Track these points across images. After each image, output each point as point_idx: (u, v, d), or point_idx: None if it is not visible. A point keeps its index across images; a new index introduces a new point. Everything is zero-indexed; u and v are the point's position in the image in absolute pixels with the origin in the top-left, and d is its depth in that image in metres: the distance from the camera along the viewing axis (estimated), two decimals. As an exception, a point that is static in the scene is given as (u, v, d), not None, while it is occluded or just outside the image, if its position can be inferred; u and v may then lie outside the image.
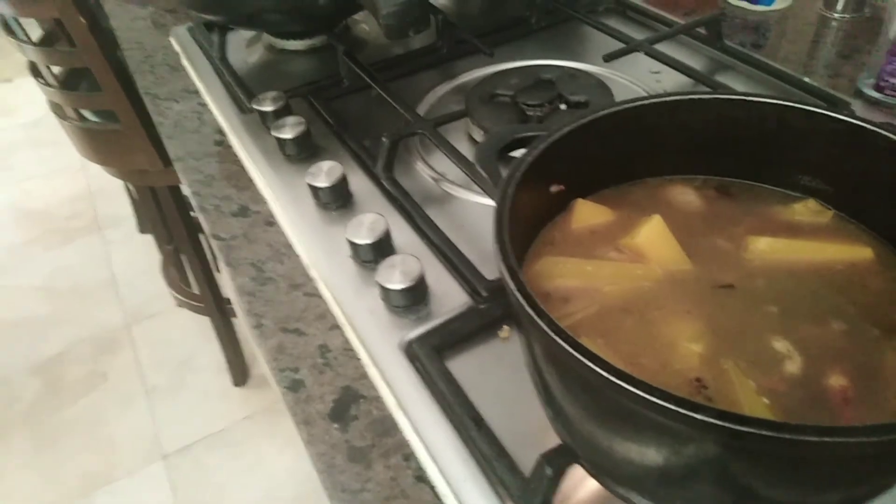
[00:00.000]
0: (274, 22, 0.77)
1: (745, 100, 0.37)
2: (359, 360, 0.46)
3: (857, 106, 0.63)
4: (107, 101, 1.09)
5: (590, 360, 0.24)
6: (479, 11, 0.87)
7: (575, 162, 0.37)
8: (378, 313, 0.48)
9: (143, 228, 1.96)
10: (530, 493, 0.35)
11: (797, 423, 0.22)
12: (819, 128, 0.36)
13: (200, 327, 1.65)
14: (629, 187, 0.40)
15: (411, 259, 0.48)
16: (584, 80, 0.65)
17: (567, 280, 0.35)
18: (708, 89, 0.64)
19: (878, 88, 0.65)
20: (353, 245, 0.51)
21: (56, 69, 1.19)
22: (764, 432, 0.22)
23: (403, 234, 0.54)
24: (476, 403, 0.41)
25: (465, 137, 0.64)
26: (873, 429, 0.22)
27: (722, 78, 0.68)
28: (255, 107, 0.67)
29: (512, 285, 0.27)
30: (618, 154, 0.39)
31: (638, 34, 0.74)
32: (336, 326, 0.49)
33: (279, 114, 0.66)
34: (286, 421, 1.46)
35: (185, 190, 0.65)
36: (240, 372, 1.54)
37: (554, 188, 0.38)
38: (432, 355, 0.44)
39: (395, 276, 0.47)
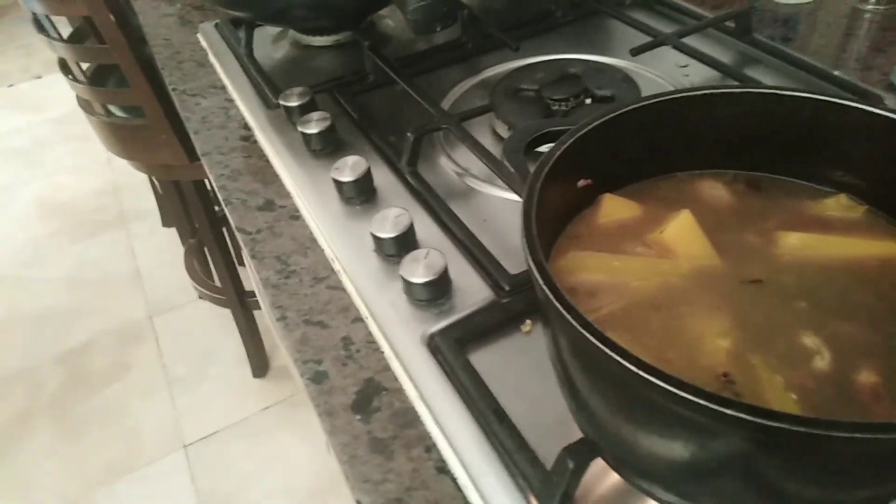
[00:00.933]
0: (301, 18, 0.77)
1: (777, 94, 0.37)
2: (381, 352, 0.47)
3: (890, 100, 0.62)
4: (134, 97, 1.11)
5: (618, 355, 0.24)
6: (505, 6, 0.87)
7: (602, 156, 0.37)
8: (401, 306, 0.48)
9: (166, 222, 1.99)
10: (552, 486, 0.34)
11: (828, 419, 0.21)
12: (852, 122, 0.36)
13: (222, 320, 1.67)
14: (657, 182, 0.40)
15: (434, 253, 0.48)
16: (611, 75, 0.64)
17: (594, 275, 0.35)
18: (738, 83, 0.64)
19: (912, 84, 0.64)
20: (377, 239, 0.51)
21: (85, 65, 1.21)
22: (795, 428, 0.21)
23: (427, 229, 0.54)
24: (498, 396, 0.41)
25: (489, 132, 0.64)
26: (908, 426, 0.21)
27: (751, 72, 0.67)
28: (281, 102, 0.67)
29: (540, 280, 0.27)
30: (646, 148, 0.39)
31: (665, 28, 0.73)
32: (359, 319, 0.49)
33: (305, 109, 0.66)
34: (305, 413, 1.47)
35: (211, 184, 0.66)
36: (260, 364, 1.55)
37: (581, 183, 0.37)
38: (455, 348, 0.44)
39: (418, 269, 0.47)
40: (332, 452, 0.45)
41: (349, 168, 0.57)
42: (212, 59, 0.83)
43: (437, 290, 0.48)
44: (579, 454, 0.33)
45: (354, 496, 0.39)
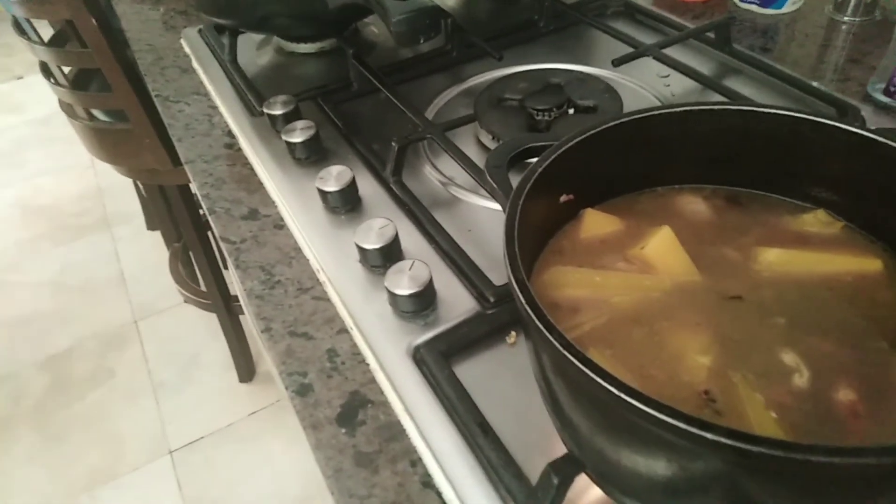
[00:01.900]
0: (284, 26, 0.77)
1: (756, 111, 0.37)
2: (367, 364, 0.47)
3: (867, 111, 0.63)
4: (117, 101, 1.10)
5: (599, 377, 0.24)
6: (488, 15, 0.87)
7: (584, 171, 0.38)
8: (386, 318, 0.48)
9: (151, 225, 1.97)
10: (537, 501, 0.35)
11: (808, 444, 0.22)
12: (831, 139, 0.36)
13: (207, 324, 1.66)
14: (638, 196, 0.41)
15: (419, 264, 0.48)
16: (593, 85, 0.65)
17: (576, 290, 0.35)
18: (718, 98, 0.64)
19: (889, 93, 0.65)
20: (362, 250, 0.51)
21: (67, 69, 1.20)
22: (775, 452, 0.22)
23: (412, 239, 0.54)
24: (483, 409, 0.41)
25: (473, 141, 0.65)
26: (883, 450, 0.22)
27: (731, 82, 0.68)
28: (265, 110, 0.67)
29: (522, 298, 0.27)
30: (627, 163, 0.39)
31: (647, 38, 0.74)
32: (344, 330, 0.49)
33: (289, 117, 0.66)
34: (292, 418, 1.47)
35: (195, 189, 0.65)
36: (246, 369, 1.55)
37: (563, 198, 0.38)
38: (440, 361, 0.44)
39: (403, 281, 0.47)
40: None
41: (334, 178, 0.57)
42: (195, 65, 0.82)
43: (422, 302, 0.48)
44: (564, 470, 0.33)
45: (339, 511, 0.39)
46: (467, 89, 0.73)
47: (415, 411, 0.42)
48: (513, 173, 0.39)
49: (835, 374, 0.31)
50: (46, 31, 1.22)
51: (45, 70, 1.15)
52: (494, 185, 0.37)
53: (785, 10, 0.82)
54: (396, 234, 0.51)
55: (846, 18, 0.79)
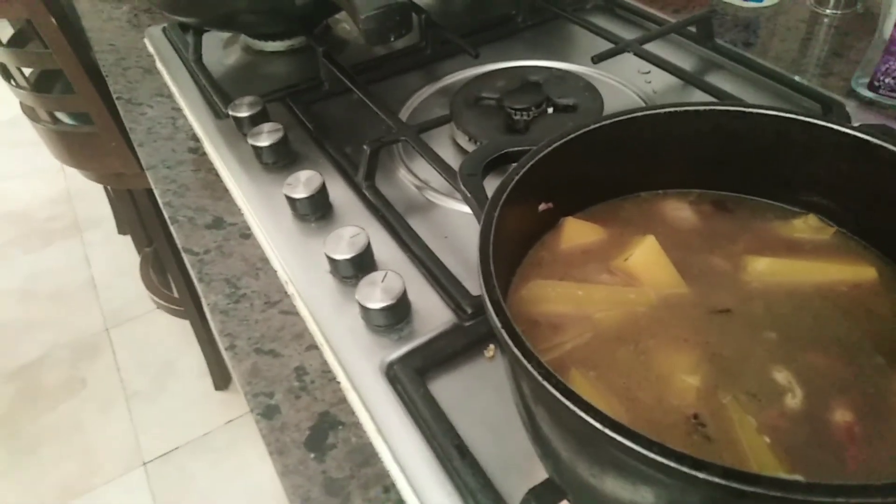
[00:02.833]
0: (250, 23, 0.74)
1: (741, 111, 0.35)
2: (337, 383, 0.44)
3: (851, 106, 0.61)
4: (80, 104, 1.06)
5: (582, 410, 0.22)
6: (464, 9, 0.85)
7: (563, 178, 0.35)
8: (358, 332, 0.46)
9: (122, 229, 1.92)
10: (517, 530, 0.33)
11: (808, 482, 0.20)
12: (820, 140, 0.34)
13: (181, 331, 1.61)
14: (621, 203, 0.38)
15: (393, 275, 0.46)
16: (572, 83, 0.63)
17: (557, 305, 0.33)
18: (701, 95, 0.63)
19: (873, 88, 0.64)
20: (332, 260, 0.48)
21: (28, 71, 1.15)
22: (773, 493, 0.20)
23: (385, 247, 0.52)
24: (460, 429, 0.39)
25: (449, 143, 0.62)
26: (890, 487, 0.20)
27: (713, 78, 0.66)
28: (230, 112, 0.64)
29: (498, 323, 0.25)
30: (608, 168, 0.37)
31: (627, 33, 0.72)
32: (314, 347, 0.47)
33: (255, 120, 0.63)
34: (271, 426, 1.43)
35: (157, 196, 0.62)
36: (221, 376, 1.51)
37: (542, 207, 0.35)
38: (414, 378, 0.42)
39: (375, 293, 0.45)
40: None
41: (303, 183, 0.54)
42: (159, 65, 0.79)
43: (396, 315, 0.45)
44: (544, 497, 0.31)
45: (308, 543, 0.37)
46: (443, 88, 0.70)
47: (388, 433, 0.40)
48: (491, 177, 0.36)
49: (830, 393, 0.29)
50: (6, 31, 1.17)
51: (5, 72, 1.11)
52: (468, 195, 0.34)
53: (766, 3, 0.80)
54: (369, 243, 0.49)
55: (828, 11, 0.78)
